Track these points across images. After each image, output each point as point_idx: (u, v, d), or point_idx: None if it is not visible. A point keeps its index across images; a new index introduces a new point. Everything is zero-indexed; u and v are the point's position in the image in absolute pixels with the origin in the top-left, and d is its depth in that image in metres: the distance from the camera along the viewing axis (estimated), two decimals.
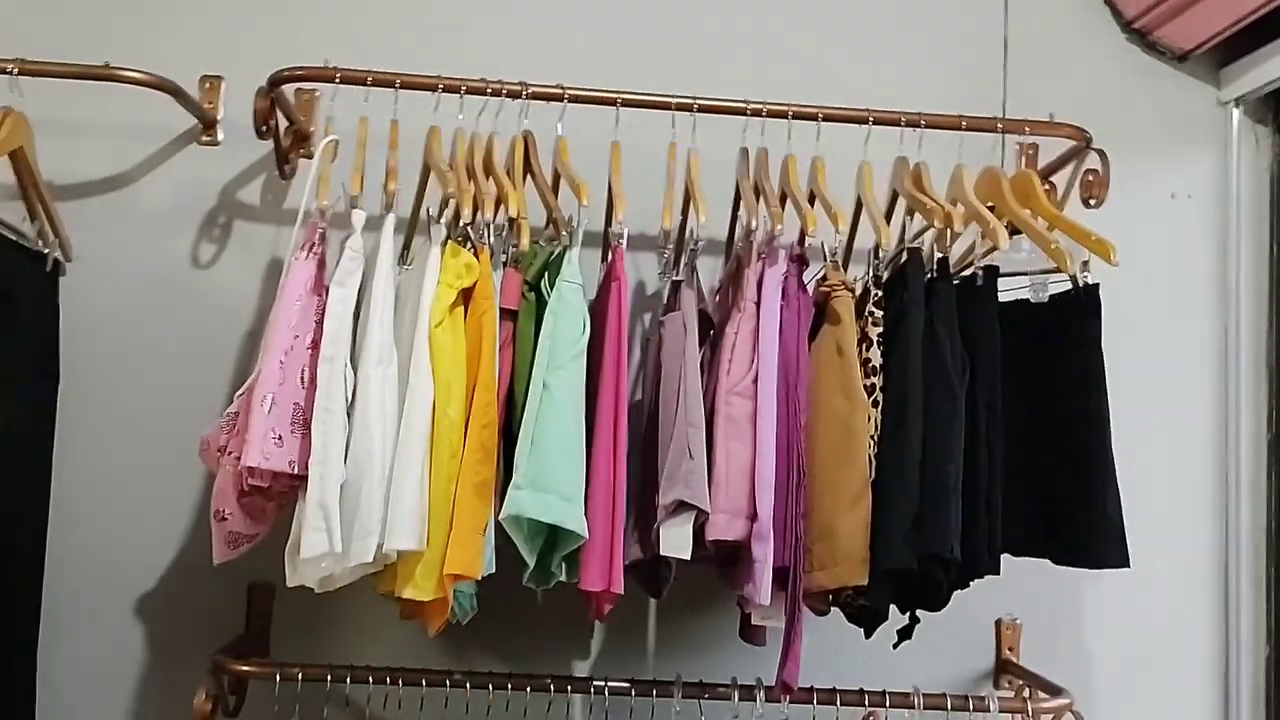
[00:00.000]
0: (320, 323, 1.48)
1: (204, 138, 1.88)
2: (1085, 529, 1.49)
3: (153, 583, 1.82)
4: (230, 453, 1.52)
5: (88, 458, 1.81)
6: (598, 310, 1.53)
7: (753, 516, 1.44)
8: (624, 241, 1.53)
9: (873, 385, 1.49)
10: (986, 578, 1.50)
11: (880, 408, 1.48)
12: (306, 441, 1.44)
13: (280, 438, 1.45)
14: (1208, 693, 1.95)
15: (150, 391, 1.85)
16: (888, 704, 1.63)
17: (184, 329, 1.86)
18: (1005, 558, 1.51)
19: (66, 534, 1.76)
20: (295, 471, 1.44)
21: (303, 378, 1.47)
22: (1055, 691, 1.72)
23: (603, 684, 1.63)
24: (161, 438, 1.82)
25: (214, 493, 1.53)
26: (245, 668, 1.62)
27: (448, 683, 1.60)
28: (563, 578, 1.49)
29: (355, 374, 1.45)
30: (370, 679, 1.59)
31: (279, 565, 1.48)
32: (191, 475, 1.81)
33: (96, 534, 1.82)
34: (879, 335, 1.51)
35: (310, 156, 1.81)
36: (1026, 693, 1.75)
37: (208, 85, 1.88)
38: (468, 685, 1.60)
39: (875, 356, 1.51)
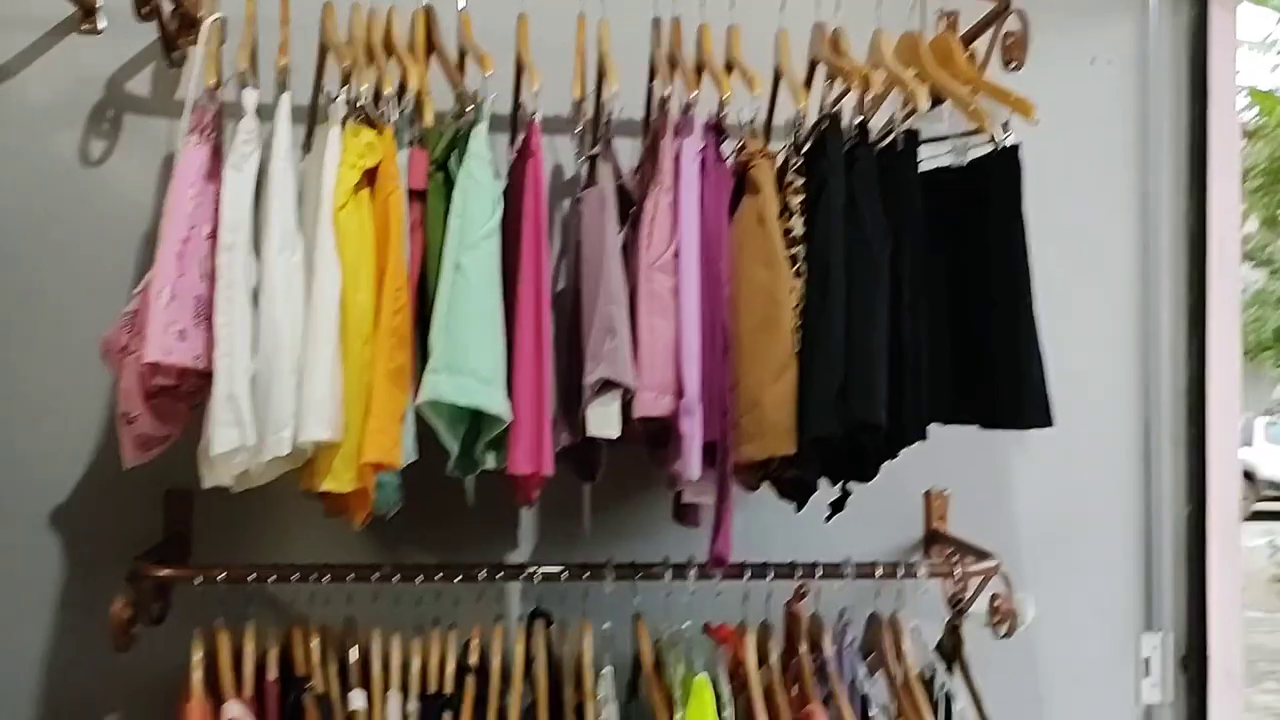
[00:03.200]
0: (218, 211, 1.41)
1: (84, 26, 1.76)
2: (1011, 391, 1.50)
3: (65, 494, 1.75)
4: (132, 352, 1.45)
5: None
6: (513, 188, 1.47)
7: (679, 392, 1.41)
8: (538, 116, 1.47)
9: (795, 255, 1.47)
10: (915, 449, 1.50)
11: (803, 278, 1.46)
12: (211, 335, 1.38)
13: (183, 332, 1.38)
14: (1130, 551, 1.99)
15: (46, 297, 1.76)
16: (819, 575, 1.63)
17: (77, 230, 1.76)
18: (933, 429, 1.50)
19: None
20: (201, 367, 1.39)
21: (203, 269, 1.41)
22: (983, 557, 1.74)
23: (534, 570, 1.61)
24: (61, 343, 1.74)
25: (120, 394, 1.47)
26: (164, 572, 1.56)
27: (375, 576, 1.57)
28: (489, 465, 1.46)
29: (258, 262, 1.39)
30: (295, 577, 1.56)
31: (195, 470, 1.43)
32: (98, 380, 1.73)
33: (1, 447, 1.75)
34: (800, 204, 1.48)
35: None
36: (956, 559, 1.76)
37: None
38: (396, 578, 1.57)
39: (797, 226, 1.48)
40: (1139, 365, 2.00)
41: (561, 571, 1.61)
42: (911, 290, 1.48)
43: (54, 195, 1.76)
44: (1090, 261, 1.99)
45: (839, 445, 1.44)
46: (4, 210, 1.75)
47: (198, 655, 1.51)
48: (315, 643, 1.55)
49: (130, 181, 1.77)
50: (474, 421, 1.42)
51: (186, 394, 1.47)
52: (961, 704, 1.64)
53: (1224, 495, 1.99)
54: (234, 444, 1.35)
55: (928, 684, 1.65)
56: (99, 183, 1.77)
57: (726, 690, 1.51)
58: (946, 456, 1.86)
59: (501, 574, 1.61)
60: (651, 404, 1.42)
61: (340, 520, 1.61)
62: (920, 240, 1.50)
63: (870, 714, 1.59)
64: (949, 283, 1.54)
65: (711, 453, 1.45)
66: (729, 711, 1.48)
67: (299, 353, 1.36)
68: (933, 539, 1.93)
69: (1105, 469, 1.99)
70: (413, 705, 1.53)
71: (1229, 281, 2.00)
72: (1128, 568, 1.99)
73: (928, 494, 1.94)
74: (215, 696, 1.52)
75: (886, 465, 1.53)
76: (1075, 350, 1.90)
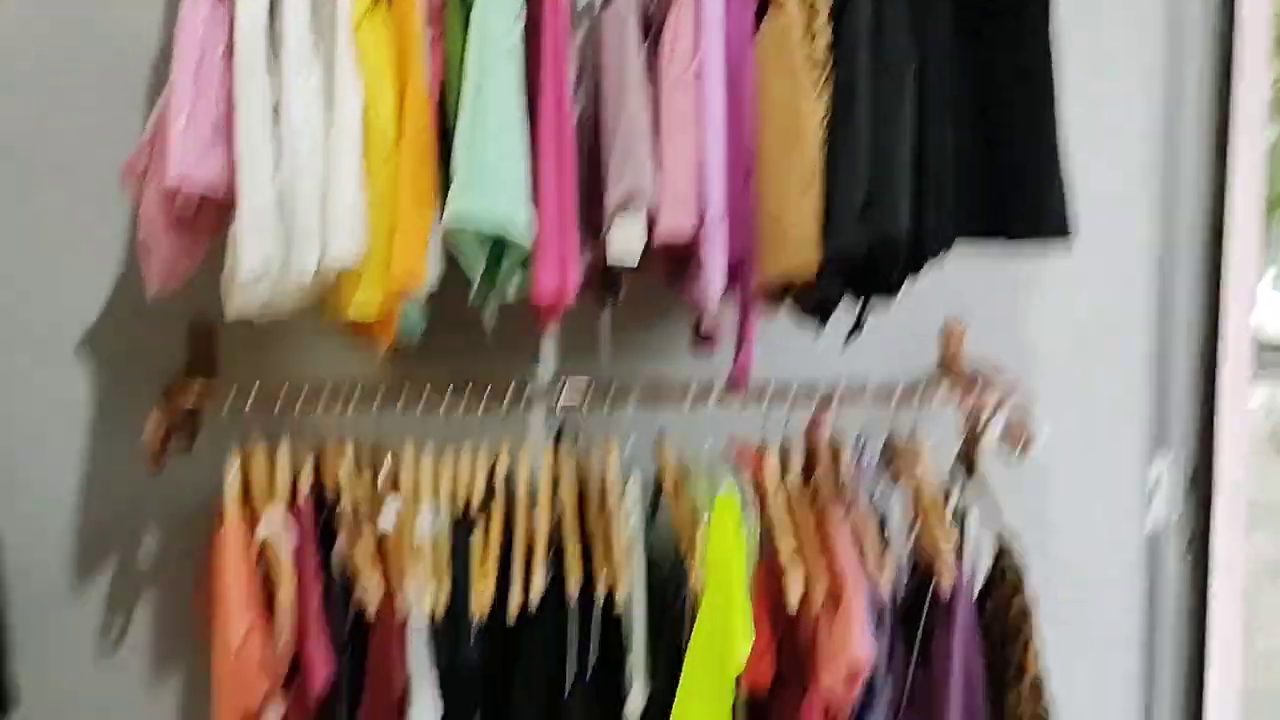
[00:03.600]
0: (232, 31, 1.38)
1: None
2: (1031, 202, 1.49)
3: (89, 326, 1.75)
4: (152, 177, 1.45)
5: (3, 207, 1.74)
6: (532, 5, 1.44)
7: (702, 210, 1.41)
8: None
9: (820, 73, 1.44)
10: (931, 279, 1.51)
11: (828, 94, 1.44)
12: (231, 157, 1.37)
13: (202, 155, 1.38)
14: (1143, 379, 2.01)
15: (57, 127, 1.73)
16: (838, 396, 1.66)
17: (85, 57, 1.72)
18: (950, 259, 1.51)
19: None
20: (222, 191, 1.38)
21: (219, 91, 1.39)
22: (998, 382, 1.76)
23: (561, 383, 1.65)
24: (77, 172, 1.72)
25: (140, 221, 1.47)
26: (197, 390, 1.58)
27: (405, 392, 1.59)
28: (514, 290, 1.46)
29: (276, 83, 1.37)
30: (326, 394, 1.58)
31: (219, 303, 1.44)
32: (118, 212, 1.72)
33: (19, 284, 1.76)
34: (825, 20, 1.45)
35: None
36: (972, 383, 1.79)
37: None
38: (426, 392, 1.59)
39: (821, 43, 1.45)
40: (1160, 193, 1.98)
41: (588, 386, 1.64)
42: (936, 104, 1.47)
43: (58, 21, 1.72)
44: (1116, 83, 1.95)
45: (862, 261, 1.45)
46: (8, 40, 1.72)
47: (234, 470, 1.54)
48: (348, 457, 1.58)
49: (137, 6, 1.72)
50: (498, 245, 1.42)
51: (207, 220, 1.47)
52: (975, 519, 1.69)
53: (1239, 327, 1.99)
54: (260, 265, 1.35)
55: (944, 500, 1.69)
56: (102, 5, 1.72)
57: (751, 497, 1.55)
58: (962, 288, 1.87)
59: (528, 393, 1.64)
60: (674, 224, 1.41)
61: (363, 352, 1.64)
62: (946, 54, 1.48)
63: (888, 526, 1.63)
64: (973, 97, 1.52)
65: (733, 275, 1.46)
66: (752, 519, 1.52)
67: (321, 173, 1.36)
68: (948, 368, 1.95)
69: (1121, 299, 1.99)
70: (444, 518, 1.57)
71: (1257, 99, 1.95)
72: (1140, 394, 2.01)
73: (944, 324, 1.95)
74: (250, 515, 1.56)
75: (903, 296, 1.54)
76: (1096, 177, 1.86)
